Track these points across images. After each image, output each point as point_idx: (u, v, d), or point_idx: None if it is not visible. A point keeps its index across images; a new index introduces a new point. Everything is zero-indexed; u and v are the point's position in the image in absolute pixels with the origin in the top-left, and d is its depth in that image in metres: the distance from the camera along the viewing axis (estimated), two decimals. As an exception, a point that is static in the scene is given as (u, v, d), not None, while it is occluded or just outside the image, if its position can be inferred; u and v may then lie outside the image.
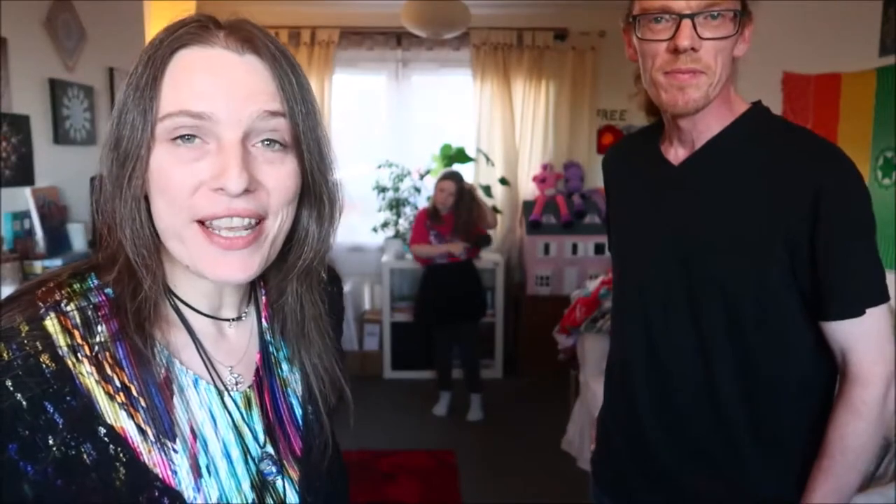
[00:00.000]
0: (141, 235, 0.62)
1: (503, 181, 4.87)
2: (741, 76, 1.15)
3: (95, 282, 0.65)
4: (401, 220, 4.80)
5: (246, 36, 0.63)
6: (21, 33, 2.67)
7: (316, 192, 0.68)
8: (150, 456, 0.61)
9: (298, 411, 0.74)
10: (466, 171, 4.47)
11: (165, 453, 0.62)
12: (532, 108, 4.94)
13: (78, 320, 0.61)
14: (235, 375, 0.70)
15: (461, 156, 4.67)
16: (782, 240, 1.02)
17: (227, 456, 0.66)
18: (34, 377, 0.57)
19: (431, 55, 4.91)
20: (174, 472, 0.62)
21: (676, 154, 1.14)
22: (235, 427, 0.68)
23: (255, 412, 0.70)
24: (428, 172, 4.69)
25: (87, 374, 0.60)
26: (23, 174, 2.70)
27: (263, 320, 0.75)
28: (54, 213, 2.83)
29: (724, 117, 1.09)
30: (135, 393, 0.61)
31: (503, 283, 4.66)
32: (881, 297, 1.03)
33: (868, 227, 1.04)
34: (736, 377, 1.08)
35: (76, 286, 0.64)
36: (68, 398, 0.58)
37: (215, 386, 0.68)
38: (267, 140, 0.63)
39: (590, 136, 5.01)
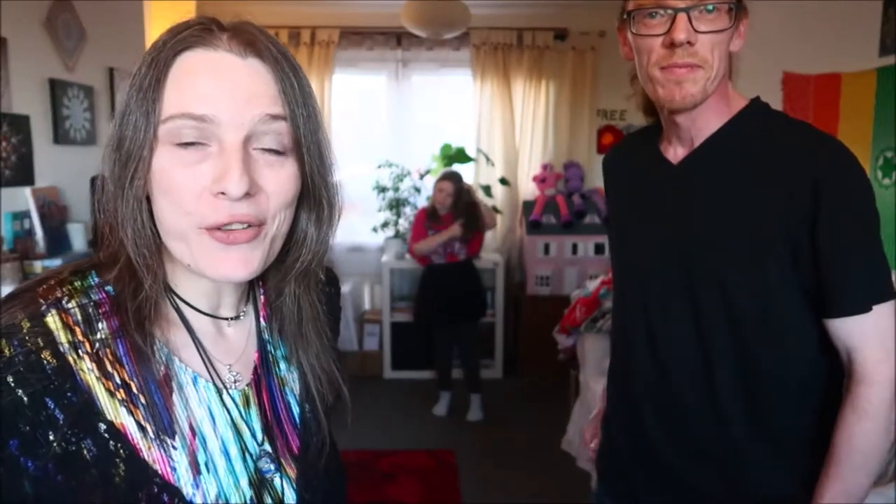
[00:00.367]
0: (142, 235, 0.62)
1: (503, 181, 4.87)
2: (741, 76, 1.15)
3: (96, 279, 0.65)
4: (401, 220, 4.80)
5: (249, 39, 0.63)
6: (21, 33, 2.68)
7: (315, 195, 0.68)
8: (150, 452, 0.61)
9: (296, 410, 0.75)
10: (466, 171, 4.47)
11: (165, 450, 0.62)
12: (532, 108, 4.94)
13: (79, 317, 0.62)
14: (234, 374, 0.71)
15: (461, 156, 4.67)
16: (784, 237, 1.02)
17: (226, 453, 0.67)
18: (35, 373, 0.57)
19: (431, 55, 4.92)
20: (173, 469, 0.62)
21: (675, 153, 1.14)
22: (234, 425, 0.68)
23: (254, 410, 0.71)
24: (428, 172, 4.70)
25: (87, 371, 0.60)
26: (23, 174, 2.70)
27: (262, 320, 0.75)
28: (54, 213, 2.84)
29: (722, 113, 1.09)
30: (135, 390, 0.62)
31: (503, 283, 4.67)
32: (887, 293, 1.01)
33: (871, 222, 1.02)
34: (736, 376, 1.08)
35: (77, 284, 0.64)
36: (69, 394, 0.59)
37: (214, 384, 0.68)
38: (268, 144, 0.63)
39: (590, 136, 5.01)
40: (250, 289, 0.75)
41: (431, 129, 4.93)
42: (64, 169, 2.97)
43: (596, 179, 4.83)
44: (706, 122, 1.09)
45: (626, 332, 1.22)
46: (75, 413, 0.58)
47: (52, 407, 0.58)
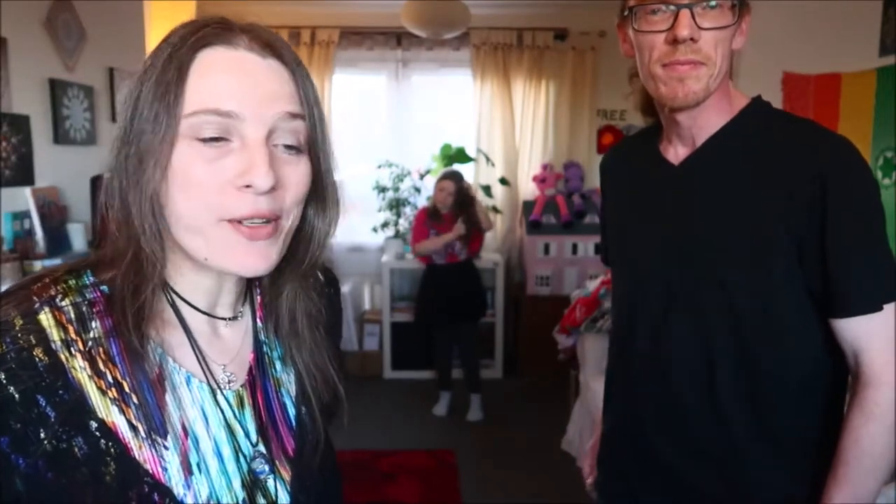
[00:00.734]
0: (154, 229, 0.63)
1: (503, 181, 4.87)
2: (741, 76, 1.14)
3: (91, 279, 0.65)
4: (401, 220, 4.80)
5: (268, 40, 0.65)
6: (21, 33, 2.68)
7: (323, 193, 0.70)
8: (141, 452, 0.61)
9: (292, 411, 0.74)
10: (466, 171, 4.47)
11: (156, 450, 0.62)
12: (532, 108, 4.94)
13: (72, 315, 0.61)
14: (228, 374, 0.70)
15: (461, 156, 4.67)
16: (787, 236, 1.00)
17: (219, 454, 0.66)
18: (27, 370, 0.57)
19: (431, 55, 4.92)
20: (164, 469, 0.62)
21: (676, 153, 1.13)
22: (227, 425, 0.68)
23: (248, 411, 0.70)
24: (428, 172, 4.70)
25: (79, 369, 0.60)
26: (23, 174, 2.70)
27: (258, 320, 0.75)
28: (54, 213, 2.84)
29: (724, 112, 1.08)
30: (127, 389, 0.61)
31: (503, 283, 4.67)
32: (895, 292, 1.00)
33: (877, 219, 1.01)
34: (736, 376, 1.07)
35: (72, 282, 0.64)
36: (61, 392, 0.59)
37: (208, 384, 0.68)
38: (286, 141, 0.65)
39: (590, 136, 5.01)
40: (247, 288, 0.75)
41: (431, 129, 4.93)
42: (64, 169, 2.97)
43: (596, 179, 4.82)
44: (707, 121, 1.08)
45: (625, 333, 1.21)
46: (67, 411, 0.58)
47: (44, 404, 0.58)
